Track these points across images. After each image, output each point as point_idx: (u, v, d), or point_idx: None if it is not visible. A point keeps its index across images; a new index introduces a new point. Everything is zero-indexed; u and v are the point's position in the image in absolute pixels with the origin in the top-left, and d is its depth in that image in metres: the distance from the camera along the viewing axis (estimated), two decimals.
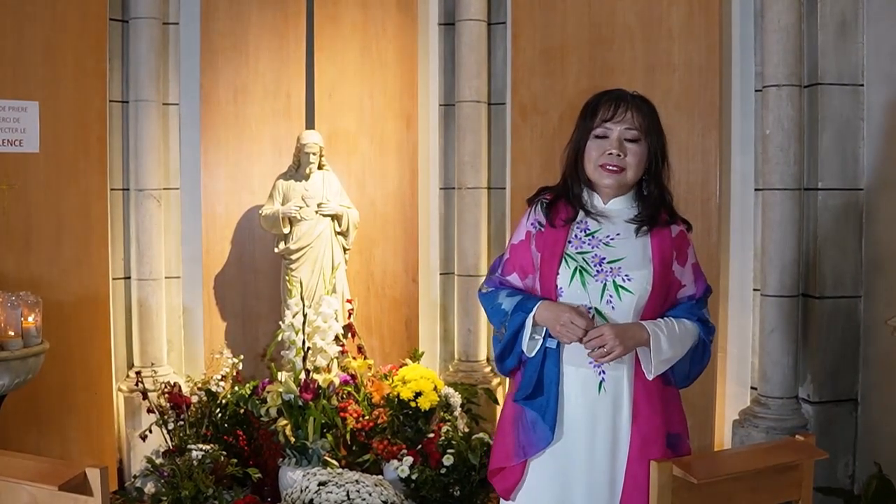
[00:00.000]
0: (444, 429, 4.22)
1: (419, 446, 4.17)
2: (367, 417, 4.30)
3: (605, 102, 2.49)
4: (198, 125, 4.79)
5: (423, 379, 4.28)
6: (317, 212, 4.51)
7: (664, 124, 4.25)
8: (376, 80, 4.95)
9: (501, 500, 2.61)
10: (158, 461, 3.98)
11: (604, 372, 2.42)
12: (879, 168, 3.88)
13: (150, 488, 3.94)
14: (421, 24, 4.99)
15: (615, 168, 2.44)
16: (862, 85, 3.92)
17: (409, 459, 4.08)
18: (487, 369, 4.84)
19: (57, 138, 4.36)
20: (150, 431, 4.22)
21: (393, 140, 4.96)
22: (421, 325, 4.98)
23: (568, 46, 4.56)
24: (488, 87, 4.91)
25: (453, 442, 4.14)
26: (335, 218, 4.56)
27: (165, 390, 4.25)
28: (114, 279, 4.68)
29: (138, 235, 4.67)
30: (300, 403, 4.13)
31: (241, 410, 4.28)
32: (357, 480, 3.70)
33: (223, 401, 4.29)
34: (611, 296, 2.40)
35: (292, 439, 4.12)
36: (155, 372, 4.62)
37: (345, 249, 4.64)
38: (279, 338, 4.40)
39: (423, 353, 4.72)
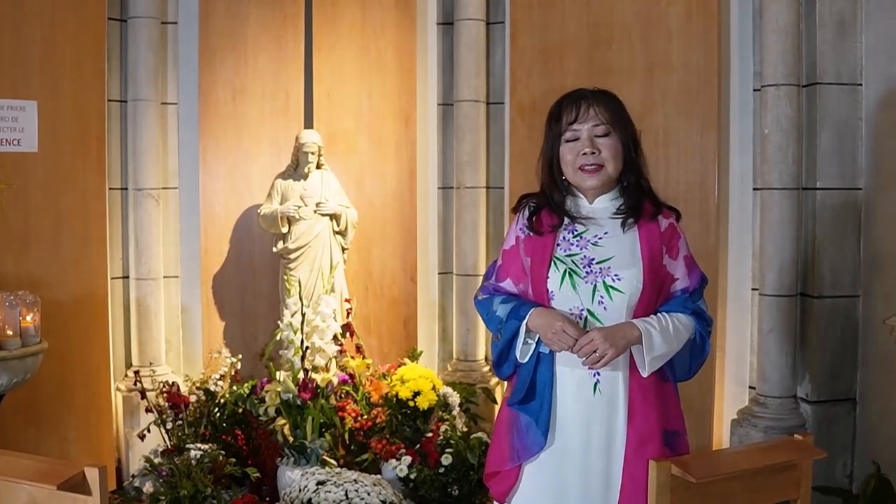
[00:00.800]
0: (443, 428, 4.22)
1: (417, 446, 4.17)
2: (365, 417, 4.30)
3: (566, 105, 2.48)
4: (196, 125, 4.78)
5: (421, 378, 4.28)
6: (315, 211, 4.51)
7: (663, 124, 4.32)
8: (375, 80, 4.95)
9: None
10: (157, 460, 3.99)
11: (598, 373, 2.41)
12: (878, 167, 3.88)
13: (148, 488, 3.93)
14: (419, 23, 4.99)
15: (594, 167, 2.43)
16: (860, 84, 3.93)
17: (407, 459, 4.08)
18: (486, 369, 4.84)
19: (55, 138, 4.36)
20: (149, 431, 4.22)
21: (391, 139, 4.97)
22: (419, 325, 4.98)
23: (566, 46, 4.56)
24: (487, 87, 4.91)
25: (452, 441, 4.14)
26: (334, 217, 4.56)
27: (164, 390, 4.25)
28: (112, 279, 4.67)
29: (137, 235, 4.67)
30: (299, 403, 4.13)
31: (240, 410, 4.28)
32: (355, 480, 3.70)
33: (222, 400, 4.29)
34: (602, 297, 2.39)
35: (291, 439, 4.13)
36: (153, 371, 4.62)
37: (343, 249, 4.64)
38: (277, 337, 4.40)
39: (421, 353, 4.72)
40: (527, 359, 2.47)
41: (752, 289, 4.18)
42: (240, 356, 4.44)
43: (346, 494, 3.60)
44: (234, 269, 4.84)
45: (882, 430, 3.86)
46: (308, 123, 4.73)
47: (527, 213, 2.55)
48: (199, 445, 3.99)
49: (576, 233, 2.47)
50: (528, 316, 2.42)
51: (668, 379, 2.50)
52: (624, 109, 2.51)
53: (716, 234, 4.22)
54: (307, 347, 4.29)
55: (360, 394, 4.38)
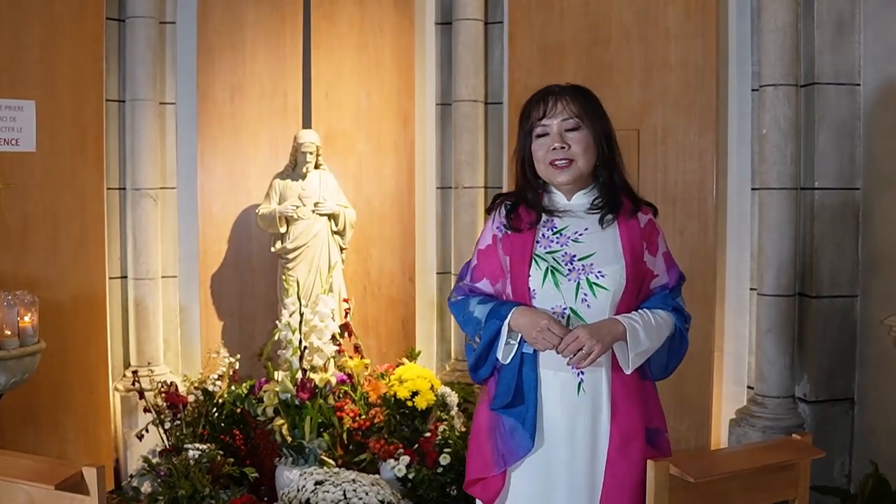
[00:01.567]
0: (441, 428, 4.22)
1: (416, 445, 4.17)
2: (363, 417, 4.30)
3: (535, 102, 2.45)
4: (194, 124, 4.78)
5: (419, 378, 4.28)
6: (313, 211, 4.51)
7: (661, 123, 4.32)
8: (373, 80, 4.95)
9: None
10: (155, 460, 3.98)
11: (582, 373, 2.37)
12: (876, 167, 3.89)
13: (146, 488, 3.93)
14: (418, 23, 4.99)
15: (564, 162, 2.40)
16: (858, 84, 3.93)
17: (405, 459, 4.08)
18: None
19: (53, 137, 4.35)
20: (147, 431, 4.22)
21: (390, 139, 4.97)
22: (418, 325, 4.98)
23: (565, 46, 4.56)
24: (485, 87, 4.91)
25: (450, 441, 4.14)
26: (332, 217, 4.56)
27: (162, 390, 4.25)
28: (110, 278, 4.67)
29: (135, 235, 4.67)
30: (297, 403, 4.13)
31: (238, 410, 4.28)
32: (354, 480, 3.69)
33: (220, 400, 4.29)
34: (585, 294, 2.35)
35: (289, 439, 4.13)
36: (151, 371, 4.62)
37: (341, 249, 4.64)
38: (276, 337, 4.40)
39: (419, 353, 4.72)
40: (509, 360, 2.41)
41: (751, 289, 4.19)
42: (238, 356, 4.44)
43: (345, 494, 3.60)
44: (233, 268, 4.83)
45: (880, 430, 3.86)
46: (306, 123, 4.72)
47: (503, 211, 2.50)
48: (197, 445, 3.98)
49: (555, 229, 2.43)
50: (510, 315, 2.37)
51: (647, 377, 2.48)
52: (597, 104, 2.48)
53: (714, 234, 4.22)
54: (305, 347, 4.29)
55: (359, 394, 4.38)
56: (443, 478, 4.06)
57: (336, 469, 3.89)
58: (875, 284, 3.90)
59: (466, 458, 2.58)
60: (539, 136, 2.43)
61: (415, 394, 4.23)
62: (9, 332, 3.71)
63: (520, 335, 2.38)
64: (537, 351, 2.38)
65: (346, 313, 4.55)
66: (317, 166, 4.60)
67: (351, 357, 4.51)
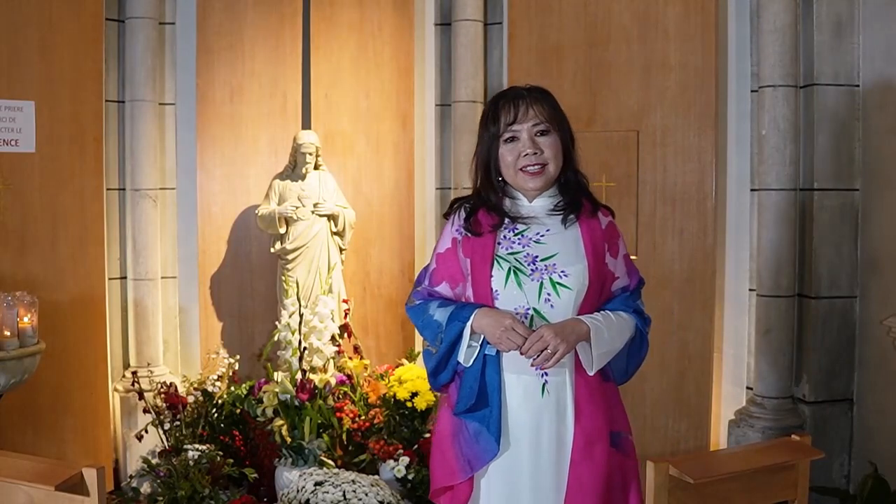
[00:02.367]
0: None
1: (415, 446, 4.17)
2: (363, 417, 4.30)
3: (503, 106, 2.40)
4: (194, 125, 4.78)
5: (419, 379, 4.28)
6: (313, 212, 4.51)
7: (660, 124, 4.33)
8: (372, 81, 4.95)
9: None
10: (154, 461, 3.98)
11: (546, 374, 2.34)
12: (875, 168, 3.89)
13: (146, 488, 3.93)
14: (417, 24, 4.99)
15: (537, 168, 2.38)
16: (857, 85, 3.94)
17: (405, 459, 4.08)
18: None
19: (53, 138, 4.35)
20: (147, 431, 4.22)
21: (389, 140, 4.97)
22: None
23: (564, 47, 4.56)
24: (484, 88, 4.91)
25: None
26: (331, 218, 4.56)
27: (161, 390, 4.24)
28: (110, 279, 4.67)
29: (134, 235, 4.67)
30: (296, 403, 4.13)
31: (238, 410, 4.28)
32: (353, 480, 3.69)
33: (219, 401, 4.29)
34: (549, 294, 2.33)
35: (288, 439, 4.12)
36: (151, 372, 4.61)
37: (341, 249, 4.64)
38: (275, 338, 4.41)
39: (419, 353, 4.72)
40: (471, 362, 2.37)
41: (750, 289, 4.19)
42: (237, 357, 4.44)
43: (344, 495, 3.60)
44: (232, 269, 4.83)
45: (879, 431, 3.87)
46: (306, 124, 4.73)
47: (462, 214, 2.46)
48: (196, 446, 3.98)
49: (516, 231, 2.40)
50: (472, 316, 2.33)
51: (609, 379, 2.47)
52: (559, 107, 2.45)
53: (713, 235, 4.22)
54: (305, 348, 4.29)
55: (358, 394, 4.38)
56: None
57: (336, 470, 3.89)
58: (874, 285, 3.90)
59: (430, 467, 2.53)
60: (508, 140, 2.40)
61: (414, 394, 4.24)
62: (8, 333, 3.71)
63: (482, 337, 2.35)
64: (500, 352, 2.35)
65: (346, 314, 4.55)
66: (316, 167, 4.60)
67: (350, 358, 4.51)
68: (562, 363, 2.31)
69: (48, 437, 4.34)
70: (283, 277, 4.52)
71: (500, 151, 2.41)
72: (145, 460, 3.99)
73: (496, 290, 2.35)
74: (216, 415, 4.28)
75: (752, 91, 4.15)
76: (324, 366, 4.42)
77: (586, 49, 4.50)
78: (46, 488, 2.28)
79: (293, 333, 4.31)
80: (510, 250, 2.37)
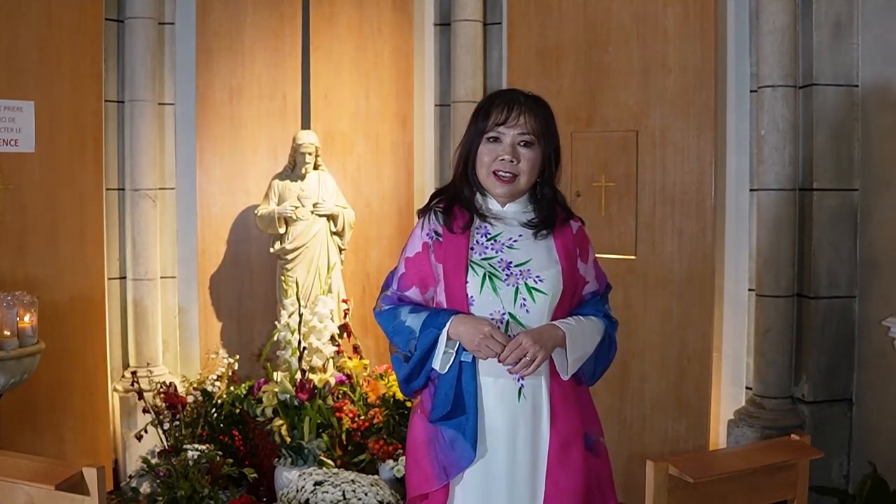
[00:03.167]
0: None
1: None
2: (362, 417, 4.30)
3: (497, 105, 2.38)
4: (193, 125, 4.78)
5: None
6: (312, 212, 4.51)
7: (660, 124, 4.32)
8: (372, 81, 4.95)
9: None
10: (154, 461, 3.98)
11: (522, 378, 2.32)
12: (874, 168, 3.89)
13: (145, 488, 3.93)
14: (416, 24, 5.00)
15: (508, 176, 2.36)
16: (857, 86, 3.94)
17: (404, 459, 4.08)
18: None
19: (52, 138, 4.35)
20: (146, 431, 4.22)
21: (388, 140, 4.97)
22: None
23: (563, 47, 4.57)
24: (484, 88, 4.91)
25: None
26: (331, 218, 4.56)
27: (161, 390, 4.24)
28: (109, 279, 4.66)
29: (134, 235, 4.66)
30: (296, 403, 4.13)
31: (237, 410, 4.28)
32: (353, 480, 3.70)
33: (219, 401, 4.29)
34: (524, 299, 2.31)
35: (288, 439, 4.13)
36: (150, 372, 4.61)
37: (340, 249, 4.65)
38: (275, 338, 4.41)
39: None
40: (447, 369, 2.34)
41: (749, 289, 4.19)
42: (237, 357, 4.44)
43: (344, 495, 3.60)
44: (232, 269, 4.83)
45: (878, 431, 3.87)
46: (305, 124, 4.73)
47: (434, 217, 2.44)
48: (196, 446, 3.98)
49: (489, 236, 2.39)
50: (448, 323, 2.30)
51: (581, 382, 2.46)
52: (553, 121, 2.44)
53: (712, 235, 4.22)
54: (304, 348, 4.29)
55: (358, 394, 4.38)
56: None
57: (335, 469, 3.89)
58: (873, 285, 3.90)
59: (406, 475, 2.51)
60: (491, 139, 2.38)
61: None
62: (8, 333, 3.71)
63: (458, 344, 2.32)
64: (476, 358, 2.33)
65: (345, 314, 4.56)
66: (316, 167, 4.61)
67: (350, 358, 4.51)
68: None
69: (48, 436, 4.34)
70: (283, 277, 4.52)
71: (479, 148, 2.40)
72: (145, 460, 3.99)
73: (471, 296, 2.32)
74: (216, 415, 4.28)
75: (751, 91, 4.15)
76: (323, 366, 4.42)
77: (586, 49, 4.50)
78: (46, 488, 2.28)
79: (293, 333, 4.31)
80: (484, 255, 2.36)
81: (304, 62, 4.78)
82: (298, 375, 4.19)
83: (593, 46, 4.48)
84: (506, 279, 2.32)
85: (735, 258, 4.27)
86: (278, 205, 4.53)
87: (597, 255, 2.56)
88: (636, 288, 4.37)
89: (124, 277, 4.73)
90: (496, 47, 4.92)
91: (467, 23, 4.84)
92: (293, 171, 4.59)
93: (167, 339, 4.82)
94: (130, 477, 4.14)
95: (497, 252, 2.36)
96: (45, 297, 4.08)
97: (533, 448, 2.34)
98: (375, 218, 4.93)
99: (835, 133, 3.93)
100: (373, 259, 4.93)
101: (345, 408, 4.28)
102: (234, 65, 4.81)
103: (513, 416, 2.33)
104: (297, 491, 3.66)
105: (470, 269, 2.33)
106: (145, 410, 4.25)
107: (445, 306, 2.37)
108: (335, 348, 4.45)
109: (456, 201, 2.44)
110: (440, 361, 2.34)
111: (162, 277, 4.76)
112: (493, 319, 2.30)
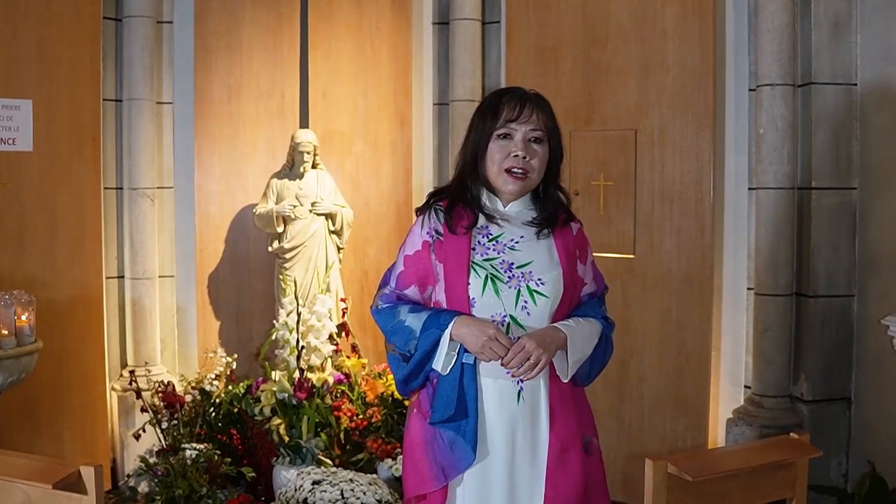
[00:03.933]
0: None
1: None
2: (360, 416, 4.29)
3: (508, 101, 2.37)
4: (192, 124, 4.78)
5: None
6: (311, 211, 4.51)
7: (658, 123, 4.33)
8: (370, 80, 4.95)
9: None
10: (152, 460, 3.98)
11: (521, 380, 2.31)
12: (873, 167, 3.89)
13: (143, 487, 3.93)
14: (415, 23, 5.00)
15: (521, 173, 2.34)
16: (855, 84, 3.94)
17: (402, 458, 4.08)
18: None
19: (50, 137, 4.35)
20: (144, 431, 4.21)
21: (387, 139, 4.97)
22: None
23: (562, 46, 4.56)
24: (482, 87, 4.91)
25: None
26: (329, 217, 4.56)
27: (159, 389, 4.24)
28: (107, 278, 4.66)
29: (132, 234, 4.66)
30: (294, 402, 4.13)
31: (235, 409, 4.28)
32: (351, 479, 3.69)
33: (217, 400, 4.28)
34: (526, 301, 2.30)
35: (286, 438, 4.12)
36: (149, 371, 4.61)
37: (339, 248, 4.64)
38: (273, 337, 4.40)
39: None
40: (448, 371, 2.32)
41: (748, 288, 4.19)
42: (235, 356, 4.44)
43: (342, 494, 3.60)
44: (230, 268, 4.83)
45: (877, 430, 3.87)
46: (304, 123, 4.73)
47: (434, 215, 2.42)
48: (194, 445, 3.98)
49: (490, 236, 2.37)
50: (451, 324, 2.28)
51: (578, 383, 2.45)
52: (556, 120, 2.44)
53: (711, 234, 4.22)
54: (303, 347, 4.29)
55: (356, 393, 4.38)
56: None
57: (333, 469, 3.88)
58: (872, 284, 3.90)
59: (403, 475, 2.50)
60: (501, 137, 2.37)
61: None
62: (6, 332, 3.71)
63: (459, 345, 2.30)
64: (477, 360, 2.31)
65: (344, 313, 4.55)
66: (314, 166, 4.60)
67: (348, 357, 4.51)
68: None
69: (46, 435, 4.34)
70: (281, 276, 4.52)
71: (489, 146, 2.38)
72: (143, 459, 3.99)
73: (473, 298, 2.31)
74: (214, 414, 4.28)
75: (749, 90, 4.15)
76: (321, 365, 4.41)
77: (584, 48, 4.50)
78: (44, 487, 2.27)
79: (291, 332, 4.31)
80: (485, 256, 2.34)
81: (302, 61, 4.78)
82: (297, 374, 4.19)
83: (592, 45, 4.48)
84: (507, 281, 2.31)
85: (734, 257, 4.27)
86: (276, 204, 4.52)
87: (595, 255, 2.56)
88: (635, 287, 4.37)
89: (122, 276, 4.73)
90: (495, 46, 4.92)
91: (466, 22, 4.83)
92: (291, 169, 4.59)
93: (165, 339, 4.81)
94: (128, 476, 4.14)
95: (499, 253, 2.35)
96: (43, 296, 4.07)
97: (532, 450, 2.34)
98: (374, 217, 4.93)
99: (834, 132, 3.93)
100: (371, 258, 4.93)
101: (343, 407, 4.28)
102: (233, 64, 4.81)
103: (512, 418, 2.33)
104: (296, 490, 3.66)
105: (472, 270, 2.32)
106: (143, 409, 4.25)
107: (445, 306, 2.36)
108: (333, 347, 4.44)
109: (459, 201, 2.41)
110: (442, 363, 2.32)
111: (160, 276, 4.76)
112: (494, 321, 2.30)
